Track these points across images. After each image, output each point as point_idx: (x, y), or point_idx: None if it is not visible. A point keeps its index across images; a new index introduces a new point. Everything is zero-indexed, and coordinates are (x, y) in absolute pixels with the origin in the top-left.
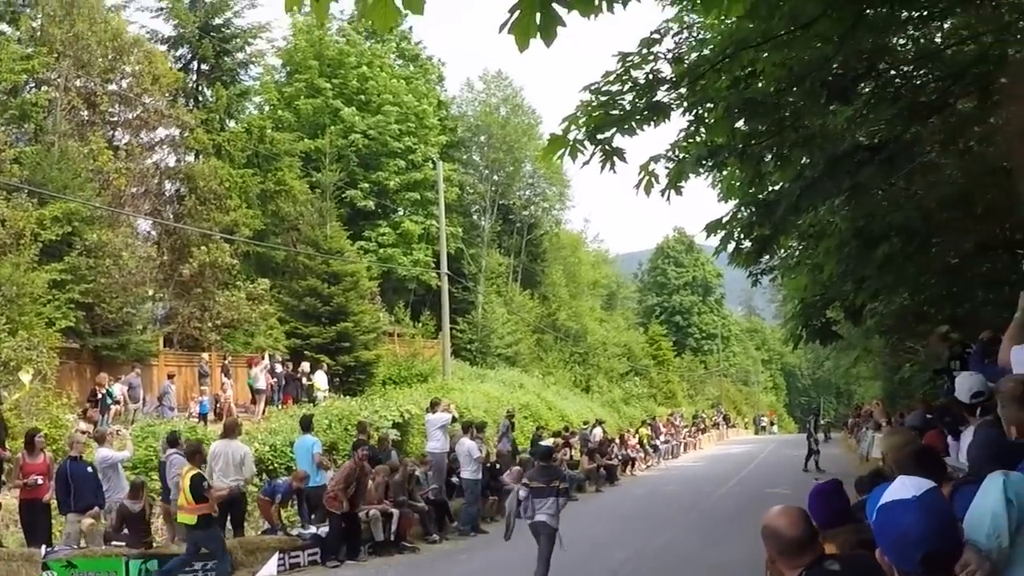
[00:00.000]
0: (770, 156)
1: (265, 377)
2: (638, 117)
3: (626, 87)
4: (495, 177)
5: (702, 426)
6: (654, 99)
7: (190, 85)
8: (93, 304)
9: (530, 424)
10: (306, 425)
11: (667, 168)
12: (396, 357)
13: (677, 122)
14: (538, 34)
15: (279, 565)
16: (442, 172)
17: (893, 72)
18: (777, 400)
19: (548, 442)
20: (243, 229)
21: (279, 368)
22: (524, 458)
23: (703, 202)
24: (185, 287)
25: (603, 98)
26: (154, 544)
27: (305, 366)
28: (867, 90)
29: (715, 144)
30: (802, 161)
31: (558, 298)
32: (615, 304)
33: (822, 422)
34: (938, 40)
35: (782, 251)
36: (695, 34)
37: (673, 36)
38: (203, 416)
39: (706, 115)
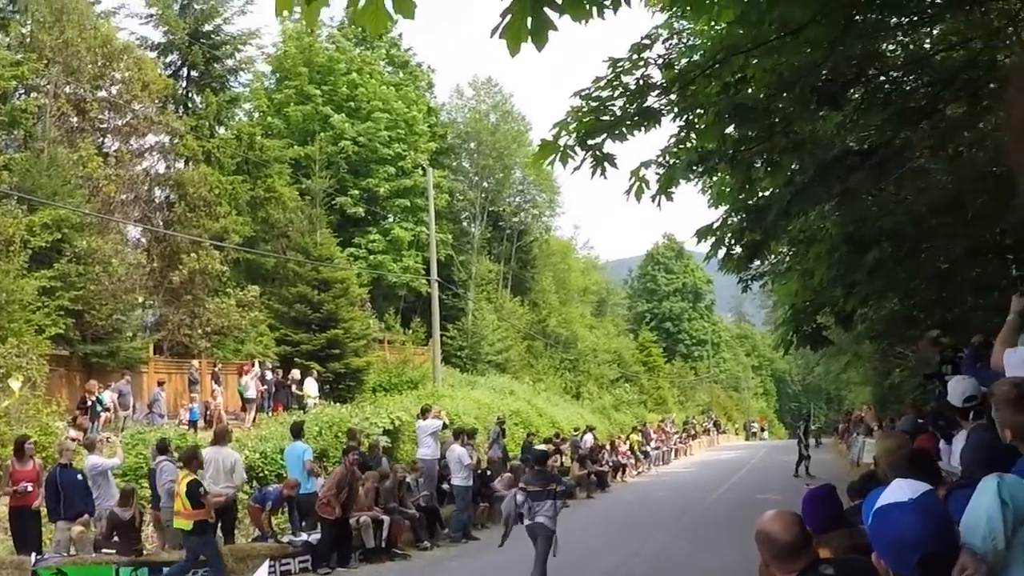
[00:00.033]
0: (760, 162)
1: (255, 385)
2: (629, 123)
3: (616, 93)
4: (485, 184)
5: (693, 432)
6: (644, 105)
7: (180, 92)
8: (83, 311)
9: (520, 431)
10: (297, 432)
11: (658, 174)
12: (386, 364)
13: (668, 128)
14: (529, 38)
15: (270, 572)
16: (432, 179)
17: (883, 78)
18: (767, 406)
19: (541, 447)
20: (233, 236)
21: (269, 375)
22: (515, 465)
23: (693, 209)
24: (175, 294)
25: (594, 104)
26: (144, 552)
27: (295, 373)
28: (857, 96)
29: (705, 150)
30: (792, 166)
31: (548, 305)
32: (605, 311)
33: (813, 428)
34: (928, 46)
35: (773, 257)
36: (685, 40)
37: (663, 42)
38: (193, 423)
39: (696, 121)
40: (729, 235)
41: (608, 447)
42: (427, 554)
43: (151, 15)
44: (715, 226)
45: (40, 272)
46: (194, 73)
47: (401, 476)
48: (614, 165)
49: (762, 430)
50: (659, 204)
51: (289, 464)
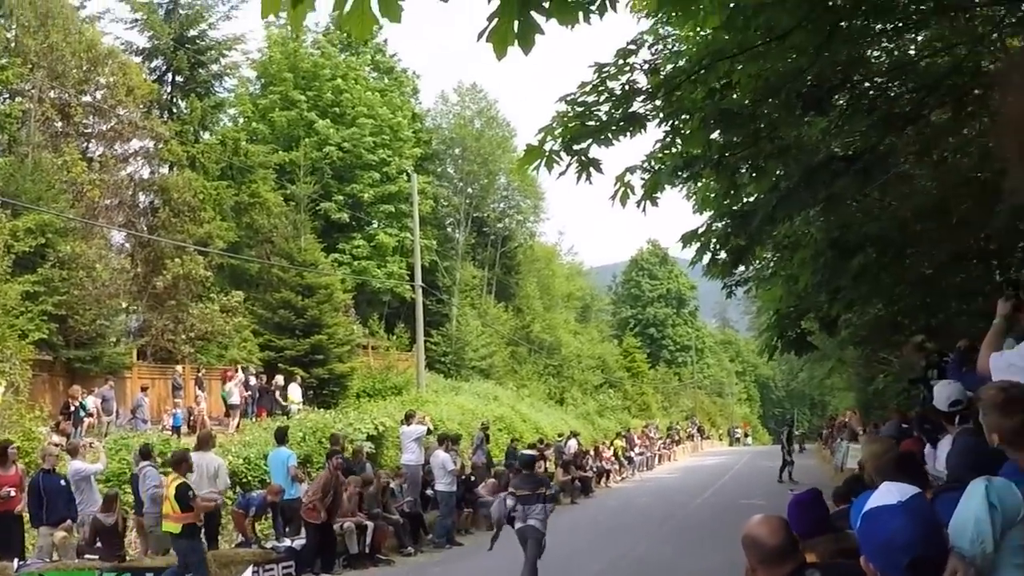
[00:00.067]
0: (746, 167)
1: (239, 391)
2: (614, 128)
3: (602, 98)
4: (469, 190)
5: (676, 438)
6: (630, 110)
7: (164, 97)
8: (66, 316)
9: (504, 436)
10: (280, 437)
11: (643, 179)
12: (370, 370)
13: (653, 133)
14: (516, 42)
15: None
16: (416, 184)
17: (868, 83)
18: (751, 412)
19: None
20: (217, 241)
21: (253, 381)
22: (499, 470)
23: (678, 214)
24: (159, 299)
25: (579, 109)
26: (127, 557)
27: (279, 379)
28: (842, 101)
29: (691, 155)
30: (777, 172)
31: (532, 310)
32: (589, 316)
33: (796, 433)
34: (912, 52)
35: (757, 262)
36: (671, 45)
37: (649, 47)
38: (176, 429)
39: (682, 126)
40: (714, 240)
41: (592, 453)
42: (411, 560)
43: (136, 20)
44: (700, 231)
45: (24, 277)
46: (179, 78)
47: (385, 482)
48: (599, 170)
49: (746, 436)
50: (644, 209)
51: (273, 470)
